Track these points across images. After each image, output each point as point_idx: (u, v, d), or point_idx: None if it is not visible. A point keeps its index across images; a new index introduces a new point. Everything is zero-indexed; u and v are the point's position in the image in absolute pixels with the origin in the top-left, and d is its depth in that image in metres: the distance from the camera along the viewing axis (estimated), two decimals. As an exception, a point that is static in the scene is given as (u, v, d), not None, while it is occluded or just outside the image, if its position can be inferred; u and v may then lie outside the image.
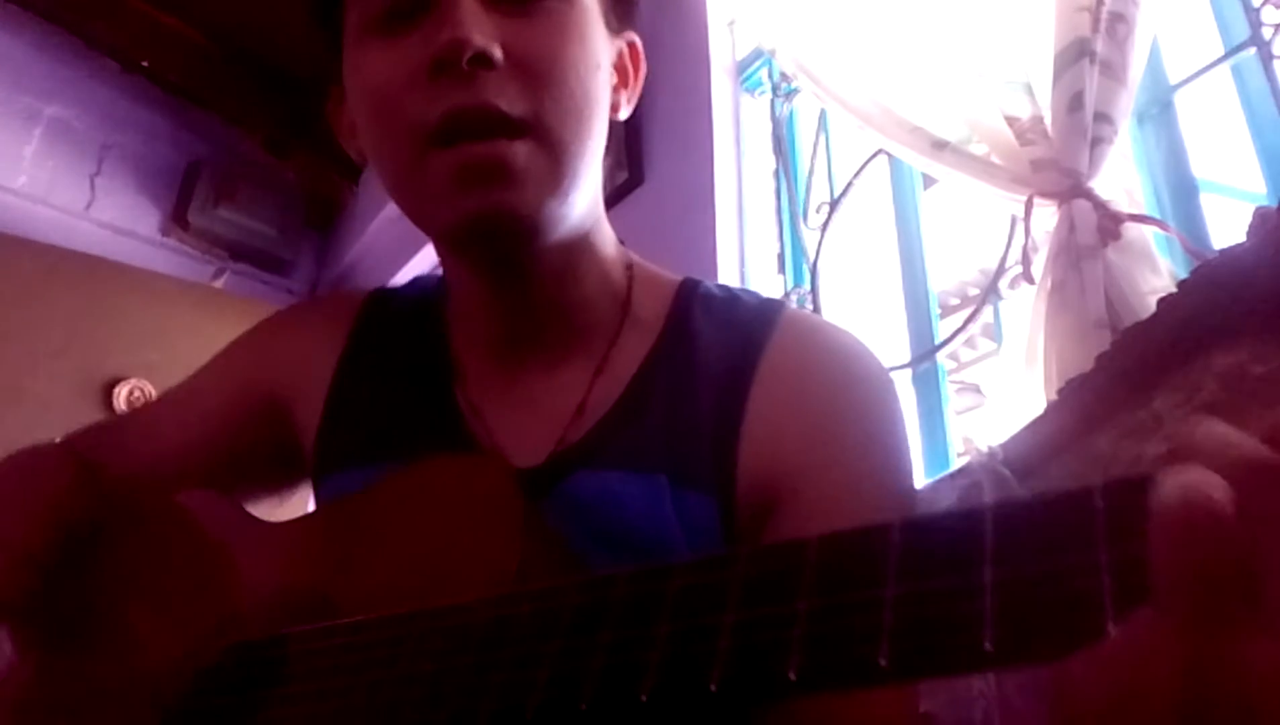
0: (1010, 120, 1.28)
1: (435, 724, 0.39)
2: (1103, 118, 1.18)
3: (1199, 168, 1.27)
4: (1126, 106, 1.21)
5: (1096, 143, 1.18)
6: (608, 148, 0.70)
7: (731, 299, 0.71)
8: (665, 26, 2.08)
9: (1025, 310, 1.20)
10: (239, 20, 2.81)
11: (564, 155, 0.61)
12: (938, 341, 1.53)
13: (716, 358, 0.65)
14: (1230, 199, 1.29)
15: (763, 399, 0.63)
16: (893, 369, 1.52)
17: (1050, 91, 1.24)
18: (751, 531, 0.60)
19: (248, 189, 3.03)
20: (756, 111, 2.03)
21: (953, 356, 2.79)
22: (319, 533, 0.63)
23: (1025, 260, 1.23)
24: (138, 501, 0.71)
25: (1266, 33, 1.20)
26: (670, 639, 0.33)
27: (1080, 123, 1.18)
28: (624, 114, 0.71)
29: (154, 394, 2.39)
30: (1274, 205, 0.85)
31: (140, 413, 0.82)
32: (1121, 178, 1.24)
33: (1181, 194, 1.26)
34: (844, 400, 0.63)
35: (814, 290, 1.77)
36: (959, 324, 1.56)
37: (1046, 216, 1.22)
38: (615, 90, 0.70)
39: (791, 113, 1.98)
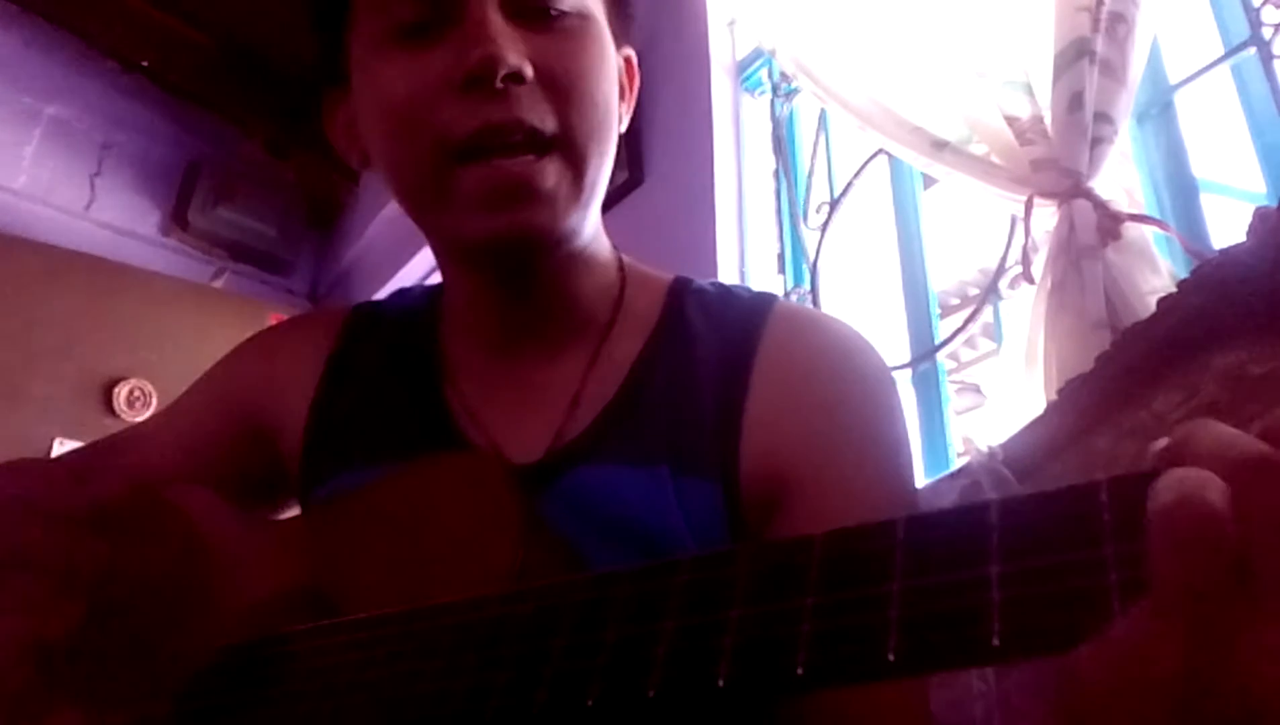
0: (1010, 120, 1.28)
1: (440, 722, 0.39)
2: (1103, 118, 1.18)
3: (1199, 168, 1.27)
4: (1126, 106, 1.21)
5: (1096, 143, 1.18)
6: None
7: (725, 293, 0.72)
8: (665, 26, 2.08)
9: (1025, 310, 1.20)
10: (239, 20, 2.81)
11: (588, 170, 0.62)
12: (938, 341, 1.53)
13: (713, 349, 0.66)
14: (1230, 199, 1.29)
15: (763, 386, 0.63)
16: (893, 369, 1.52)
17: (1050, 91, 1.24)
18: (757, 522, 0.60)
19: (248, 189, 3.03)
20: (756, 111, 2.03)
21: (953, 356, 2.80)
22: (316, 532, 0.63)
23: (1025, 260, 1.23)
24: (133, 500, 0.70)
25: (1266, 33, 1.21)
26: (676, 635, 0.33)
27: (1080, 123, 1.18)
28: (622, 127, 0.72)
29: (154, 394, 2.39)
30: (1274, 205, 0.85)
31: (123, 437, 0.82)
32: (1121, 178, 1.24)
33: (1181, 194, 1.26)
34: (844, 386, 0.64)
35: (814, 290, 1.77)
36: (959, 324, 1.56)
37: (1046, 216, 1.23)
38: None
39: (791, 113, 1.98)
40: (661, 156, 2.00)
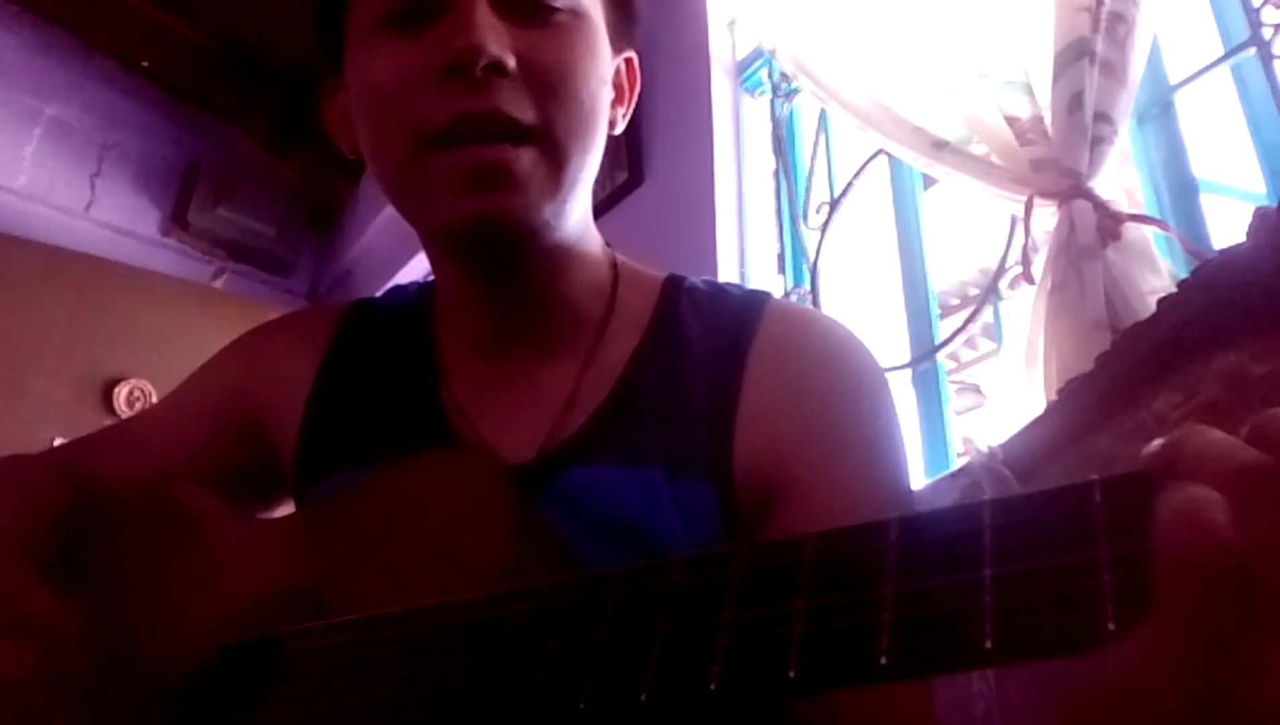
0: (1010, 120, 1.28)
1: (433, 724, 0.38)
2: (1103, 118, 1.18)
3: (1199, 168, 1.27)
4: (1126, 106, 1.21)
5: (1096, 143, 1.18)
6: (605, 150, 0.70)
7: (717, 292, 0.71)
8: (665, 26, 2.08)
9: (1025, 310, 1.20)
10: (239, 20, 2.81)
11: (567, 164, 0.62)
12: (938, 341, 1.53)
13: (706, 349, 0.66)
14: (1230, 199, 1.29)
15: (756, 384, 0.63)
16: (893, 369, 1.52)
17: (1050, 91, 1.24)
18: (751, 521, 0.60)
19: (248, 189, 3.03)
20: (756, 111, 2.03)
21: (953, 357, 2.80)
22: (310, 531, 0.63)
23: (1025, 260, 1.23)
24: (129, 499, 0.70)
25: (1266, 33, 1.20)
26: (669, 638, 0.33)
27: (1080, 123, 1.18)
28: (618, 130, 0.72)
29: (154, 394, 2.39)
30: (1274, 205, 0.85)
31: (117, 430, 0.81)
32: (1121, 178, 1.24)
33: (1181, 194, 1.26)
34: (837, 384, 0.64)
35: (814, 290, 1.77)
36: (959, 324, 1.55)
37: (1046, 217, 1.22)
38: (612, 106, 0.70)
39: (791, 113, 1.98)
40: (661, 156, 2.00)
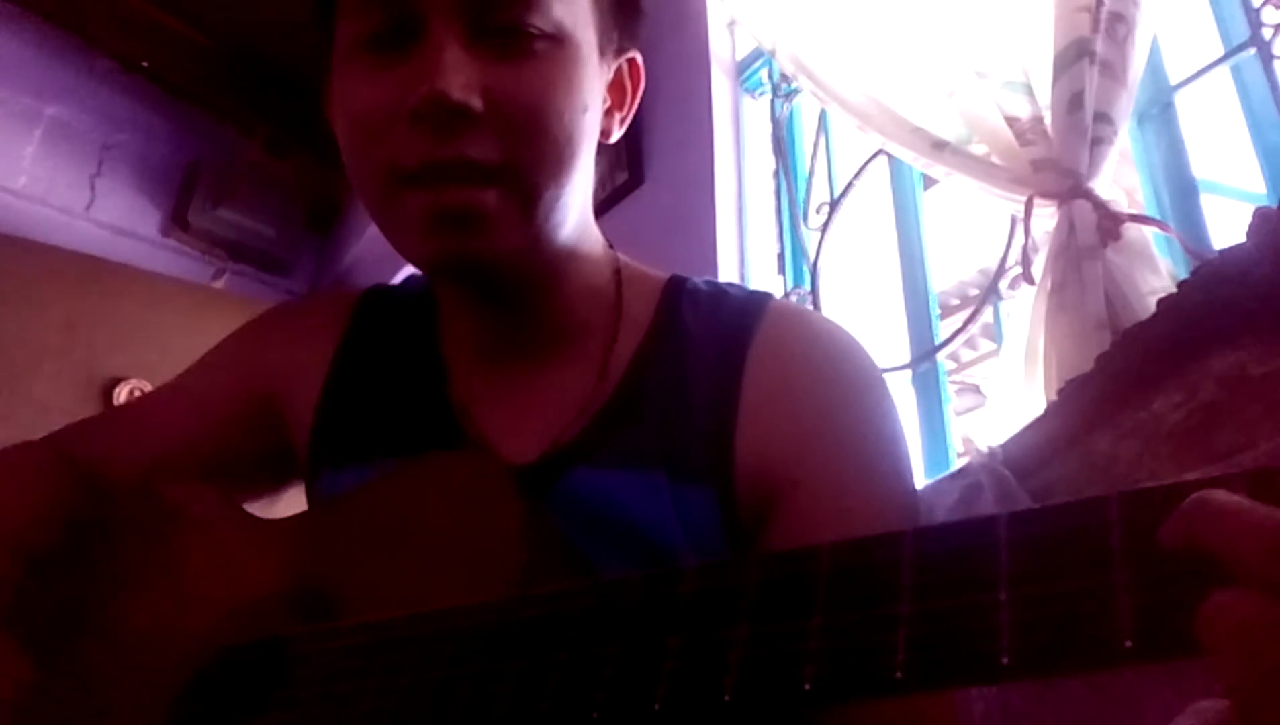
0: (1010, 120, 1.28)
1: (441, 731, 0.38)
2: (1103, 118, 1.18)
3: (1199, 168, 1.27)
4: (1126, 106, 1.21)
5: (1096, 143, 1.18)
6: (605, 150, 0.70)
7: (718, 293, 0.71)
8: (665, 26, 2.07)
9: (1025, 311, 1.20)
10: (239, 20, 2.81)
11: (538, 200, 0.61)
12: (938, 342, 1.53)
13: (706, 351, 0.66)
14: (1230, 199, 1.29)
15: (755, 388, 0.63)
16: (893, 369, 1.52)
17: (1050, 91, 1.24)
18: (754, 525, 0.60)
19: (248, 189, 3.03)
20: (756, 111, 2.02)
21: (953, 357, 2.79)
22: (316, 531, 0.63)
23: (1025, 261, 1.23)
24: (132, 497, 0.70)
25: (1266, 33, 1.20)
26: (682, 649, 0.33)
27: (1080, 123, 1.18)
28: (615, 136, 0.71)
29: (154, 394, 2.39)
30: (1274, 205, 0.85)
31: (127, 409, 0.81)
32: (1121, 178, 1.24)
33: (1181, 194, 1.26)
34: (836, 386, 0.64)
35: (814, 291, 1.77)
36: (959, 324, 1.55)
37: (1046, 217, 1.22)
38: (608, 114, 0.69)
39: (792, 113, 1.98)
40: (661, 157, 1.99)
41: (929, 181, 1.65)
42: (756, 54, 2.00)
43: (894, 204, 1.70)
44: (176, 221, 2.93)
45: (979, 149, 1.35)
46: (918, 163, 1.46)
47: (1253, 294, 0.86)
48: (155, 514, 0.69)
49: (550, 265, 0.66)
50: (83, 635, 0.63)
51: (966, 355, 3.39)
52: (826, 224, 1.80)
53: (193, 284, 2.79)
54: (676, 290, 0.71)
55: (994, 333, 1.55)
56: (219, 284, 2.98)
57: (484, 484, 0.54)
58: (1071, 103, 1.19)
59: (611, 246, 0.74)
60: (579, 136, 0.62)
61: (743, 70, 2.04)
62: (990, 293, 1.51)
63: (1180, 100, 1.32)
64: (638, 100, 0.73)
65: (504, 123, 0.59)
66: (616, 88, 0.70)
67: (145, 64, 2.91)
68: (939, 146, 1.37)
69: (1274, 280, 0.84)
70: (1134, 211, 1.19)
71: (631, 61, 0.72)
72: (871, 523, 0.57)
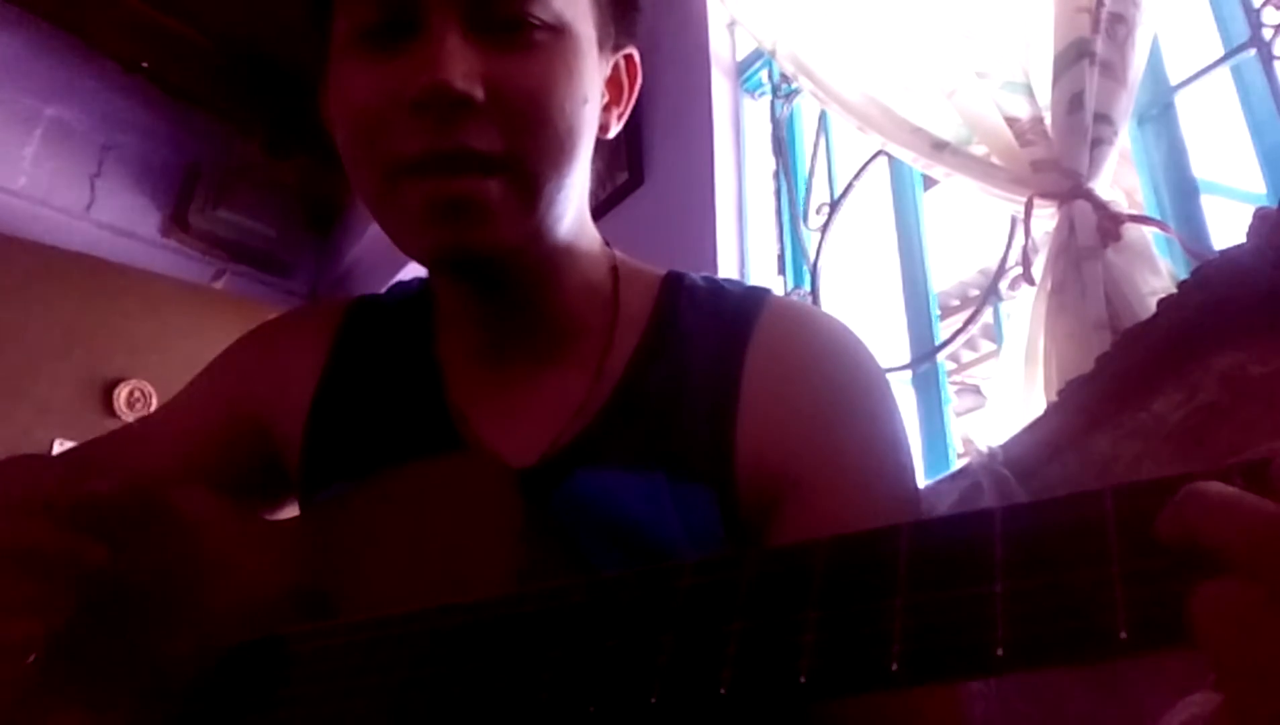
0: (1010, 121, 1.28)
1: (438, 727, 0.38)
2: (1103, 118, 1.18)
3: (1199, 168, 1.27)
4: (1126, 107, 1.21)
5: (1096, 143, 1.18)
6: (605, 150, 0.69)
7: (716, 289, 0.71)
8: (665, 27, 2.08)
9: (1025, 311, 1.20)
10: (239, 21, 2.81)
11: (540, 191, 0.61)
12: (938, 342, 1.53)
13: (705, 349, 0.65)
14: (1230, 199, 1.29)
15: (754, 385, 0.63)
16: (893, 370, 1.52)
17: (1050, 92, 1.24)
18: (755, 524, 0.60)
19: (247, 190, 3.03)
20: (756, 112, 2.03)
21: (953, 357, 2.79)
22: (317, 531, 0.63)
23: (1025, 261, 1.23)
24: (132, 499, 0.70)
25: (1266, 33, 1.20)
26: (679, 643, 0.33)
27: (1080, 123, 1.18)
28: (613, 132, 0.71)
29: (154, 394, 2.39)
30: (1274, 205, 0.85)
31: (122, 434, 0.81)
32: (1121, 178, 1.24)
33: (1181, 194, 1.26)
34: (836, 384, 0.64)
35: (814, 291, 1.77)
36: (959, 325, 1.55)
37: (1046, 217, 1.22)
38: (606, 109, 0.69)
39: (792, 113, 1.98)
40: (661, 157, 2.00)
41: (929, 182, 1.65)
42: (756, 54, 2.00)
43: (894, 204, 1.70)
44: (176, 222, 2.93)
45: (979, 149, 1.35)
46: (918, 163, 1.46)
47: (1253, 294, 0.86)
48: (157, 516, 0.69)
49: (548, 260, 0.66)
50: (83, 638, 0.63)
51: (967, 356, 3.39)
52: (827, 224, 1.80)
53: (193, 284, 2.79)
54: (674, 286, 0.71)
55: (994, 333, 1.55)
56: (219, 284, 2.98)
57: (485, 486, 0.54)
58: (1071, 103, 1.19)
59: (608, 244, 0.74)
60: (579, 128, 0.62)
61: (743, 71, 2.04)
62: (990, 293, 1.51)
63: (1180, 101, 1.32)
64: (635, 96, 0.72)
65: (506, 113, 0.59)
66: (614, 83, 0.70)
67: (145, 65, 2.91)
68: (939, 147, 1.37)
69: (1274, 280, 0.84)
70: (1134, 212, 1.19)
71: (629, 57, 0.72)
72: (873, 521, 0.57)
